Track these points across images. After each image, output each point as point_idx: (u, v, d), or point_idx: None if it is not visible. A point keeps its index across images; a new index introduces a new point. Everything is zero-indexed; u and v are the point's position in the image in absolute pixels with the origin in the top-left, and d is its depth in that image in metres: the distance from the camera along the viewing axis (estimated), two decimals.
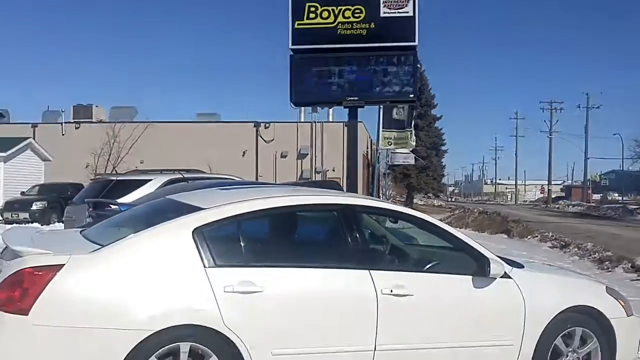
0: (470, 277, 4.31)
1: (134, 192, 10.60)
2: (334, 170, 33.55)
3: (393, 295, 4.00)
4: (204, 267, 3.68)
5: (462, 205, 53.48)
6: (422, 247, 5.09)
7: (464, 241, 4.50)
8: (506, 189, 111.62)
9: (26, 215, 20.61)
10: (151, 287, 3.59)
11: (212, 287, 3.63)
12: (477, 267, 4.33)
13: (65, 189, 21.59)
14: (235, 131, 35.41)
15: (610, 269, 12.11)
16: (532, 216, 35.83)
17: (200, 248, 3.73)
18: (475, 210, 35.62)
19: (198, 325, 3.60)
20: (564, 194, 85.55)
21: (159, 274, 3.64)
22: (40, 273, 3.45)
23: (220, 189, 5.10)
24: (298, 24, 10.94)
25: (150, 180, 11.15)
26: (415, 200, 48.98)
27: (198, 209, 4.00)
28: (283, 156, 35.35)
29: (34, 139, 28.12)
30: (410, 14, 10.84)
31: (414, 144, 21.97)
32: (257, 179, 28.24)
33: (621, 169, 77.00)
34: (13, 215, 20.73)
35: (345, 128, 23.25)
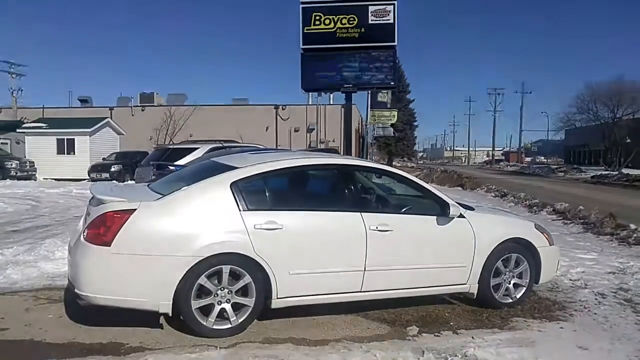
0: (435, 217, 4.30)
1: (186, 156, 10.56)
2: (333, 141, 33.33)
3: (378, 230, 4.01)
4: (239, 210, 3.69)
5: (429, 166, 53.19)
6: (399, 196, 5.06)
7: (430, 190, 4.48)
8: (461, 154, 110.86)
9: (107, 175, 20.61)
10: (200, 225, 3.60)
11: (245, 226, 3.64)
12: (440, 209, 4.32)
13: (135, 156, 21.50)
14: (260, 112, 35.03)
15: (537, 212, 12.12)
16: (480, 174, 35.71)
17: (236, 197, 3.72)
18: (438, 170, 35.52)
19: (236, 253, 3.62)
20: (503, 158, 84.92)
21: (206, 215, 3.64)
22: (118, 215, 3.47)
23: (251, 153, 5.08)
24: (307, 29, 10.85)
25: (198, 148, 11.09)
26: (393, 163, 48.80)
27: (234, 167, 3.97)
28: (296, 131, 35.03)
29: (111, 118, 27.88)
30: (391, 21, 10.77)
31: (395, 120, 21.73)
32: (277, 147, 28.12)
33: (547, 138, 76.46)
34: (97, 175, 20.75)
35: (342, 109, 23.05)
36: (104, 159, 23.06)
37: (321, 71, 10.94)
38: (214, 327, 3.62)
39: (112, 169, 21.11)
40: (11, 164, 21.53)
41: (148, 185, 4.43)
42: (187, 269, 3.49)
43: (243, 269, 3.65)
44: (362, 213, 4.04)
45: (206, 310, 3.62)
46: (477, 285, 4.43)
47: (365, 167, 4.72)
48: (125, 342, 3.50)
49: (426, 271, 4.25)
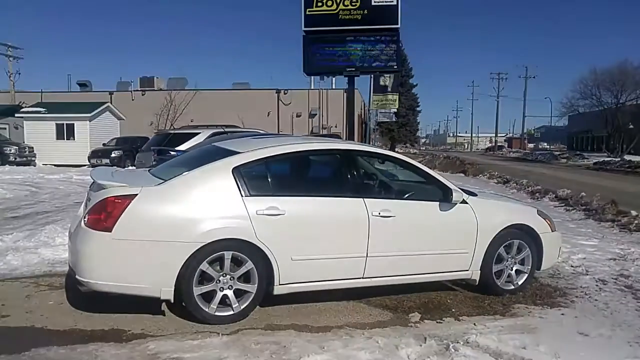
0: (438, 203, 4.28)
1: (187, 142, 10.54)
2: (336, 127, 33.15)
3: (380, 216, 3.99)
4: (241, 196, 3.67)
5: (431, 152, 53.07)
6: (401, 182, 5.03)
7: (433, 176, 4.46)
8: (464, 140, 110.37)
9: (107, 160, 20.39)
10: (202, 210, 3.58)
11: (247, 211, 3.63)
12: (442, 195, 4.30)
13: (136, 141, 21.43)
14: (262, 96, 34.78)
15: (539, 198, 12.11)
16: (483, 160, 35.63)
17: (238, 182, 3.70)
18: (440, 156, 35.48)
19: (238, 238, 3.61)
20: (506, 144, 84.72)
21: (207, 201, 3.62)
22: (119, 200, 3.45)
23: (252, 138, 5.04)
24: (308, 11, 10.71)
25: (199, 133, 11.06)
26: (396, 149, 48.68)
27: (236, 152, 3.94)
28: (298, 116, 34.86)
29: (111, 103, 27.73)
30: (394, 3, 10.61)
31: (397, 105, 21.51)
32: (278, 132, 27.99)
33: (550, 124, 76.18)
34: (97, 160, 20.54)
35: (345, 94, 22.87)
36: (104, 144, 22.96)
37: (323, 54, 10.83)
38: (216, 313, 3.63)
39: (113, 155, 21.00)
40: (10, 150, 21.44)
41: (149, 171, 4.40)
42: (188, 255, 3.48)
43: (245, 255, 3.65)
44: (365, 199, 4.03)
45: (208, 297, 3.62)
46: (480, 271, 4.44)
47: (368, 153, 4.68)
48: (127, 328, 3.51)
49: (428, 257, 4.25)
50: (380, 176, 4.85)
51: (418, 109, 49.69)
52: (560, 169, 27.28)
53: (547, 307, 4.29)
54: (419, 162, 4.64)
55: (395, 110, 22.05)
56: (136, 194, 3.48)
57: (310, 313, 3.98)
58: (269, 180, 3.96)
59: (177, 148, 10.09)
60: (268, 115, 34.03)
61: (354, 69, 10.90)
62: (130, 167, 17.00)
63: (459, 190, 4.34)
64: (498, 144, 73.89)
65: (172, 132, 13.09)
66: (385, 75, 18.61)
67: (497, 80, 70.57)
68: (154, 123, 29.09)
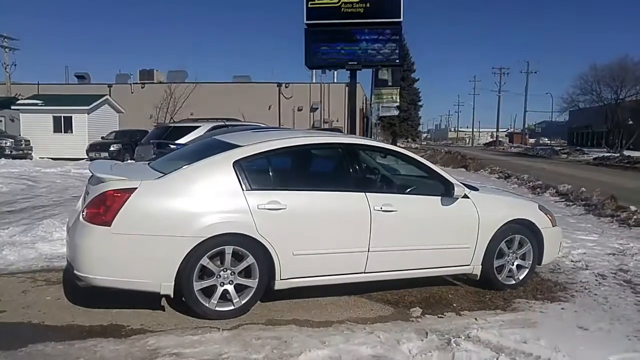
0: (439, 197, 4.27)
1: (187, 135, 10.49)
2: (337, 121, 33.12)
3: (382, 211, 3.98)
4: (242, 190, 3.65)
5: (433, 147, 52.99)
6: (403, 176, 5.04)
7: (435, 170, 4.44)
8: (465, 134, 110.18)
9: (106, 154, 20.17)
10: (202, 204, 3.56)
11: (248, 205, 3.61)
12: (444, 190, 4.29)
13: (135, 134, 21.32)
14: (262, 90, 34.70)
15: (540, 193, 12.11)
16: (484, 155, 35.61)
17: (239, 176, 3.68)
18: (442, 151, 35.43)
19: (239, 233, 3.59)
20: (507, 139, 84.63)
21: (208, 195, 3.60)
22: (119, 194, 3.42)
23: (254, 131, 5.01)
24: (310, 4, 10.65)
25: (200, 126, 11.00)
26: (397, 144, 48.68)
27: (237, 146, 3.91)
28: (299, 110, 34.81)
29: (109, 96, 27.56)
30: None
31: (398, 99, 21.38)
32: (279, 126, 27.92)
33: (551, 119, 76.17)
34: (96, 154, 20.33)
35: (347, 88, 22.79)
36: (102, 137, 22.83)
37: (325, 47, 10.79)
38: (217, 308, 3.62)
39: (112, 148, 20.85)
40: (6, 143, 21.28)
41: (149, 164, 4.37)
42: (189, 250, 3.46)
43: (246, 249, 3.63)
44: (367, 193, 4.01)
45: (208, 292, 3.61)
46: (481, 266, 4.44)
47: (370, 147, 4.66)
48: (126, 324, 3.50)
49: (430, 252, 4.24)
50: (382, 170, 4.84)
51: (420, 103, 49.70)
52: (561, 164, 27.31)
53: (547, 301, 4.31)
54: (421, 156, 4.61)
55: (397, 104, 21.97)
56: (136, 188, 3.45)
57: (311, 308, 3.98)
58: (270, 174, 3.94)
59: (177, 141, 10.06)
60: (269, 109, 33.97)
61: (356, 63, 10.85)
62: (129, 161, 16.97)
63: (460, 184, 4.33)
64: (499, 139, 73.86)
65: (172, 125, 13.04)
66: (384, 69, 18.54)
67: (499, 75, 70.58)
68: (154, 116, 29.04)
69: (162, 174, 3.68)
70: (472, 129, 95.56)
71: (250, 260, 3.65)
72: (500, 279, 4.55)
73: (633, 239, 6.86)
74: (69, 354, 3.00)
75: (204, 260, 3.54)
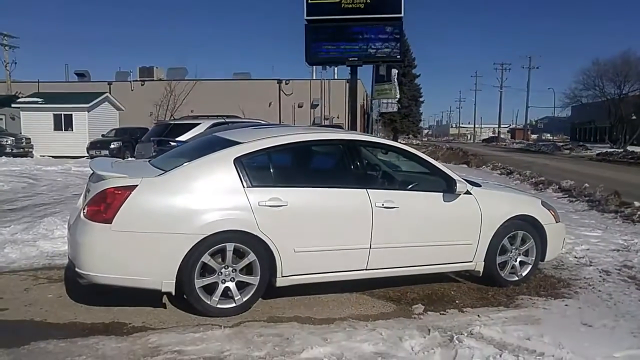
0: (441, 193, 4.26)
1: (188, 132, 10.47)
2: (338, 117, 33.06)
3: (384, 207, 3.98)
4: (243, 187, 3.64)
5: (434, 143, 52.85)
6: (405, 172, 5.01)
7: (437, 167, 4.43)
8: (467, 131, 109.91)
9: (106, 152, 20.16)
10: (203, 201, 3.56)
11: (249, 202, 3.61)
12: (446, 186, 4.28)
13: (135, 132, 21.32)
14: (263, 86, 34.67)
15: (543, 190, 12.08)
16: (486, 151, 35.58)
17: (239, 173, 3.67)
18: (443, 147, 35.41)
19: (240, 230, 3.59)
20: (509, 135, 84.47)
21: (209, 192, 3.60)
22: (119, 192, 3.42)
23: (254, 128, 5.00)
24: (310, 0, 10.59)
25: (200, 123, 10.98)
26: (398, 140, 48.59)
27: (238, 143, 3.91)
28: (299, 106, 34.77)
29: (109, 93, 27.55)
30: None
31: (394, 94, 21.30)
32: (280, 123, 27.91)
33: (553, 115, 76.07)
34: (96, 152, 20.30)
35: (347, 84, 22.74)
36: (103, 135, 22.86)
37: (326, 44, 10.76)
38: (218, 306, 3.62)
39: (112, 146, 20.87)
40: (7, 141, 21.33)
41: (149, 162, 4.37)
42: (190, 247, 3.46)
43: (247, 246, 3.63)
44: (368, 190, 4.00)
45: (210, 289, 3.62)
46: (483, 263, 4.43)
47: (372, 143, 4.65)
48: (127, 321, 3.51)
49: (432, 249, 4.24)
50: (383, 167, 4.83)
51: (421, 99, 49.56)
52: (564, 160, 27.26)
53: (550, 298, 4.29)
54: (422, 153, 4.60)
55: (397, 98, 21.91)
56: (136, 185, 3.45)
57: (313, 305, 3.98)
58: (271, 171, 3.93)
59: (177, 139, 10.05)
60: (269, 106, 33.95)
61: (356, 59, 10.83)
62: (130, 158, 16.97)
63: (462, 180, 4.32)
64: (495, 135, 73.73)
65: (172, 122, 13.02)
66: (383, 64, 18.48)
67: (501, 71, 70.37)
68: (154, 113, 29.01)
69: (162, 172, 3.68)
70: (474, 125, 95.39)
71: (252, 257, 3.65)
72: (503, 275, 4.54)
73: (637, 234, 6.83)
74: (71, 351, 3.00)
75: (205, 258, 3.54)
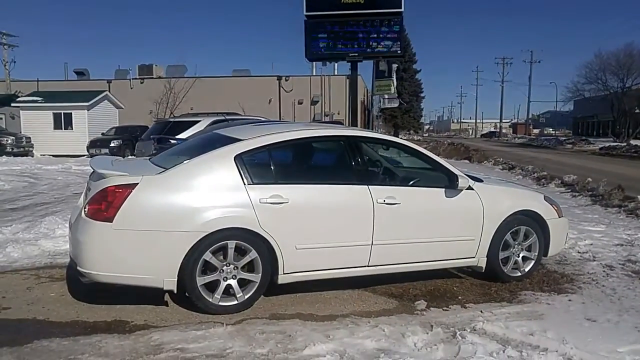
0: (443, 189, 4.26)
1: (188, 130, 10.47)
2: (338, 114, 33.03)
3: (385, 204, 3.97)
4: (244, 184, 3.64)
5: (435, 139, 52.89)
6: (406, 168, 5.01)
7: (438, 162, 4.42)
8: (468, 126, 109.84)
9: (106, 150, 20.18)
10: (204, 199, 3.56)
11: (250, 200, 3.61)
12: (448, 181, 4.27)
13: (135, 130, 21.30)
14: (262, 83, 34.60)
15: (545, 184, 12.08)
16: (487, 146, 35.49)
17: (240, 170, 3.67)
18: (445, 142, 35.33)
19: (241, 227, 3.59)
20: (511, 130, 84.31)
21: (210, 189, 3.60)
22: (120, 190, 3.43)
23: (254, 125, 5.00)
24: None
25: (200, 120, 10.98)
26: (399, 136, 48.56)
27: (238, 140, 3.90)
28: (299, 103, 34.71)
29: (109, 91, 27.56)
30: None
31: (394, 90, 21.31)
32: (280, 120, 27.88)
33: (555, 109, 75.91)
34: (96, 150, 20.27)
35: (347, 80, 22.70)
36: (103, 134, 22.85)
37: (326, 39, 10.72)
38: (220, 303, 3.63)
39: (112, 144, 20.86)
40: (7, 140, 21.36)
41: (150, 159, 4.37)
42: (191, 245, 3.47)
43: (249, 244, 3.63)
44: (370, 186, 4.00)
45: (212, 287, 3.62)
46: (486, 258, 4.43)
47: (373, 139, 4.64)
48: (129, 320, 3.52)
49: (434, 245, 4.23)
50: (384, 163, 4.83)
51: (422, 95, 49.56)
52: (566, 154, 27.24)
53: (554, 293, 4.29)
54: (424, 148, 4.59)
55: (395, 91, 21.89)
56: (137, 183, 3.45)
57: (315, 302, 3.98)
58: (272, 168, 3.93)
59: (177, 136, 10.05)
60: (269, 103, 33.90)
61: (356, 54, 10.80)
62: (130, 157, 16.97)
63: (464, 176, 4.31)
64: (494, 130, 73.63)
65: (172, 120, 13.02)
66: (383, 60, 18.43)
67: (502, 65, 70.34)
68: (154, 111, 28.98)
69: (163, 169, 3.68)
70: (475, 120, 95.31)
71: (253, 254, 3.65)
72: (505, 270, 4.54)
73: None
74: (73, 349, 3.01)
75: (207, 255, 3.55)
